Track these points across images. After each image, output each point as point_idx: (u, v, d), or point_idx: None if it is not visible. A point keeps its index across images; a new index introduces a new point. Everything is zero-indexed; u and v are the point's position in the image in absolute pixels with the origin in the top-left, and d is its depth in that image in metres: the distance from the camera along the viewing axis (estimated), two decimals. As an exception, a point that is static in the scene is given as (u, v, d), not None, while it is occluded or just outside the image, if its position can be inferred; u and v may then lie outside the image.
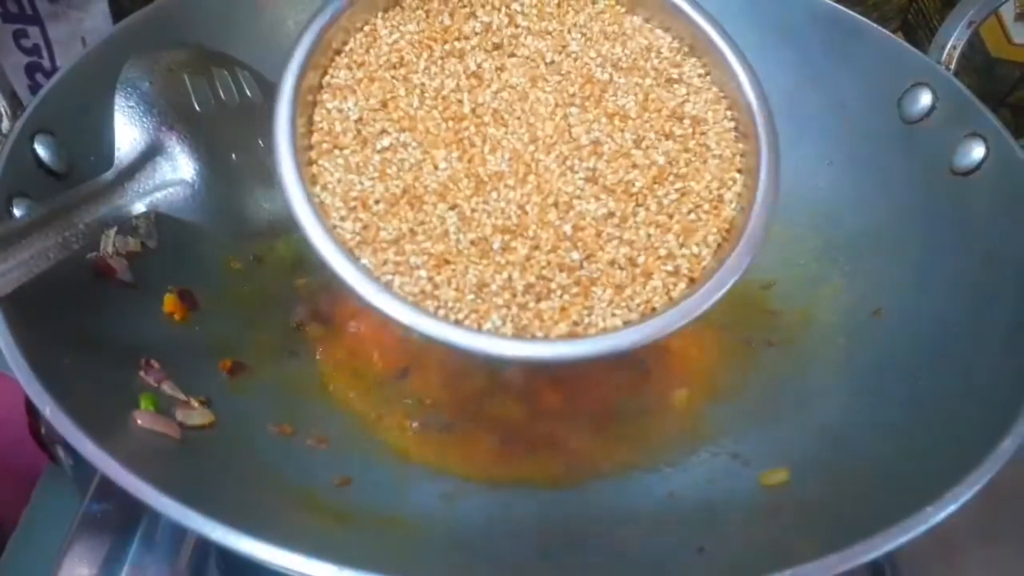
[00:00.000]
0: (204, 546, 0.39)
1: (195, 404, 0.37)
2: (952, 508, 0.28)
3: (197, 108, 0.37)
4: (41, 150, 0.37)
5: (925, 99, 0.44)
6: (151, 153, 0.35)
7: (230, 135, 0.38)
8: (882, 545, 0.27)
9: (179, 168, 0.36)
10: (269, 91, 0.41)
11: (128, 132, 0.35)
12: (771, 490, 0.37)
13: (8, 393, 0.43)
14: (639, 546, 0.35)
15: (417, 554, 0.34)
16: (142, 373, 0.36)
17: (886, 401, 0.39)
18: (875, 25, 0.47)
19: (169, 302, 0.40)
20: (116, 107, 0.36)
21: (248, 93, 0.41)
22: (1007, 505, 0.40)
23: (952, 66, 0.46)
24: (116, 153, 0.35)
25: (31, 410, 0.45)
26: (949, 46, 0.47)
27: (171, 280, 0.41)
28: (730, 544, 0.34)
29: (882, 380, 0.40)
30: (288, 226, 0.39)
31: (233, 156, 0.38)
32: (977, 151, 0.41)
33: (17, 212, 0.34)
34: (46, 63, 0.54)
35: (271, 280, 0.46)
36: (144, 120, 0.36)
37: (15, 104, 0.41)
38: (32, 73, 0.54)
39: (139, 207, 0.35)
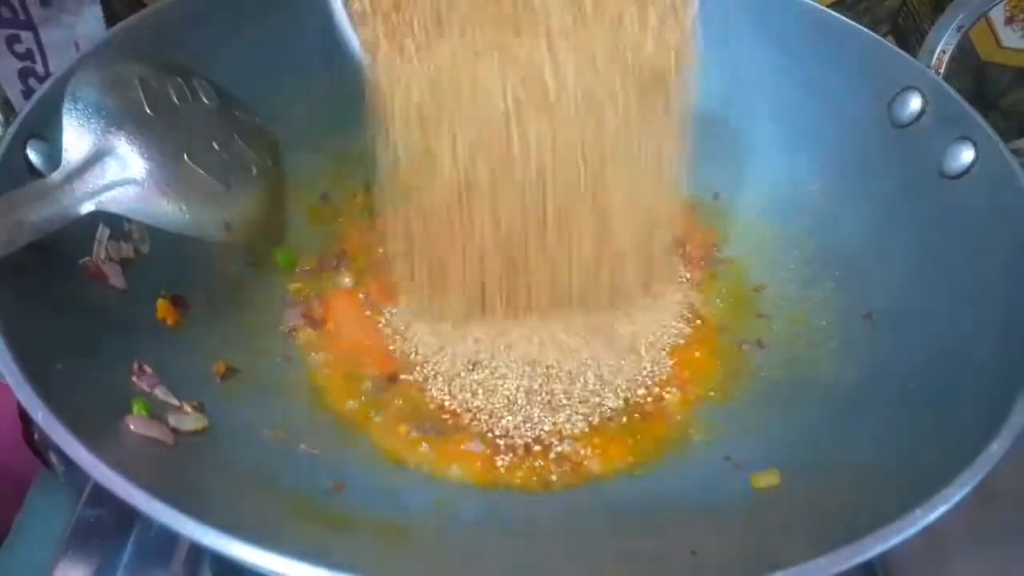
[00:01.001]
0: (197, 552, 0.39)
1: (188, 409, 0.37)
2: (943, 509, 0.28)
3: (148, 111, 0.38)
4: (34, 156, 0.37)
5: (915, 103, 0.44)
6: (100, 155, 0.36)
7: (183, 137, 0.39)
8: (873, 546, 0.27)
9: (128, 167, 0.36)
10: (224, 97, 0.43)
11: (76, 134, 0.36)
12: (763, 492, 0.37)
13: (0, 399, 0.43)
14: (632, 549, 0.35)
15: (411, 558, 0.34)
16: (135, 378, 0.36)
17: (877, 403, 0.39)
18: (866, 29, 0.47)
19: (162, 307, 0.40)
20: (63, 111, 0.36)
21: (204, 99, 0.42)
22: (998, 506, 0.41)
23: (942, 70, 0.47)
24: (63, 155, 0.36)
25: (24, 416, 0.45)
26: (939, 50, 0.47)
27: (163, 285, 0.41)
28: (722, 546, 0.34)
29: (873, 382, 0.40)
30: (247, 228, 0.41)
31: (186, 156, 0.39)
32: (966, 155, 0.41)
33: (9, 217, 0.34)
34: (39, 68, 0.54)
35: (263, 285, 0.46)
36: (91, 122, 0.36)
37: (8, 109, 0.41)
38: (25, 78, 0.54)
39: (87, 206, 0.35)
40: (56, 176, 0.35)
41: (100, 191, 0.36)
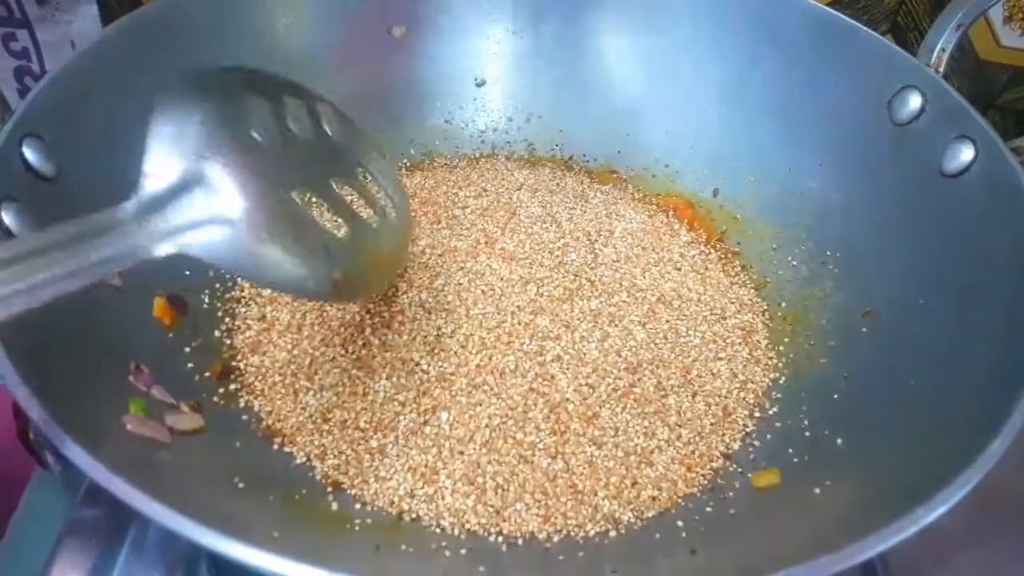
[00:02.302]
0: (194, 551, 0.38)
1: (185, 409, 0.36)
2: (942, 509, 0.28)
3: (255, 136, 0.31)
4: (29, 154, 0.36)
5: (915, 102, 0.44)
6: (187, 183, 0.29)
7: (295, 171, 0.32)
8: (874, 546, 0.27)
9: (221, 203, 0.29)
10: (350, 127, 0.36)
11: (162, 156, 0.29)
12: (763, 492, 0.37)
13: (-4, 398, 0.43)
14: (632, 548, 0.35)
15: (407, 559, 0.34)
16: (131, 378, 0.36)
17: (876, 402, 0.39)
18: (865, 28, 0.47)
19: (159, 307, 0.40)
20: (152, 123, 0.29)
21: (326, 128, 0.35)
22: (997, 506, 0.41)
23: (941, 69, 0.46)
24: (142, 180, 0.28)
25: (20, 415, 0.45)
26: (938, 49, 0.47)
27: (161, 285, 0.41)
28: (722, 546, 0.34)
29: (872, 381, 0.40)
30: (357, 286, 0.35)
31: (294, 195, 0.32)
32: (966, 153, 0.41)
33: (5, 217, 0.34)
34: (35, 67, 0.54)
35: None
36: (183, 143, 0.29)
37: (3, 108, 0.41)
38: (21, 77, 0.54)
39: (165, 247, 0.28)
40: (129, 206, 0.28)
41: (183, 229, 0.28)
